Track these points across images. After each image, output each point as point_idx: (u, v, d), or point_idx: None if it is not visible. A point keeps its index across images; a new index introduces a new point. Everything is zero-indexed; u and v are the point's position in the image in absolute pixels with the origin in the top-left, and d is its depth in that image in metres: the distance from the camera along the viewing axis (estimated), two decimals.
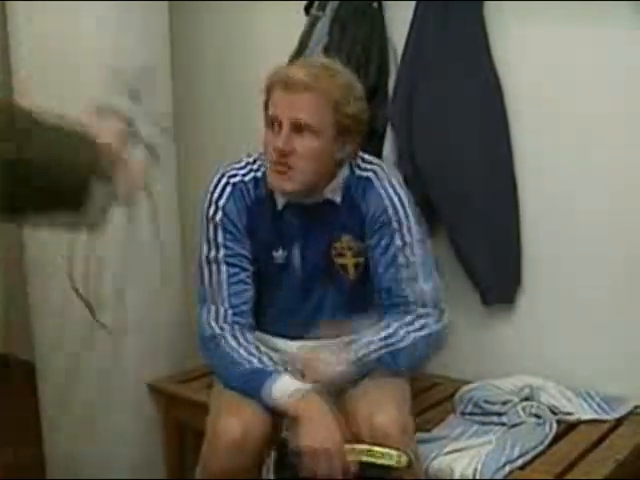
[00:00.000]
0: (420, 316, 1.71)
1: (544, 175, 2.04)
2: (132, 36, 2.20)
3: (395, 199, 1.75)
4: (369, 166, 1.79)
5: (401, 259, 1.72)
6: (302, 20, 2.22)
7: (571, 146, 2.00)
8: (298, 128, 1.65)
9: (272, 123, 1.68)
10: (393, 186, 1.76)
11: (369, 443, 1.55)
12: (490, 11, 2.02)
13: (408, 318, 1.70)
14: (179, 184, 2.41)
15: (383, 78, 2.11)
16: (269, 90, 1.71)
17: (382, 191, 1.75)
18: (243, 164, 1.79)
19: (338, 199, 1.77)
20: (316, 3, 2.17)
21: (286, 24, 2.34)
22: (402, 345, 1.68)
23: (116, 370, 2.24)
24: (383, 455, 1.51)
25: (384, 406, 1.60)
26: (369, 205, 1.75)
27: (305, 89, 1.64)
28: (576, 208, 2.01)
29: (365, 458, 1.52)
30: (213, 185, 1.78)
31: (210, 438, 1.64)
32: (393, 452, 1.51)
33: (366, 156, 1.82)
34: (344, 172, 1.77)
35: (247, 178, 1.78)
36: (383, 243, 1.73)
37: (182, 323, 2.37)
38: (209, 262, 1.76)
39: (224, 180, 1.77)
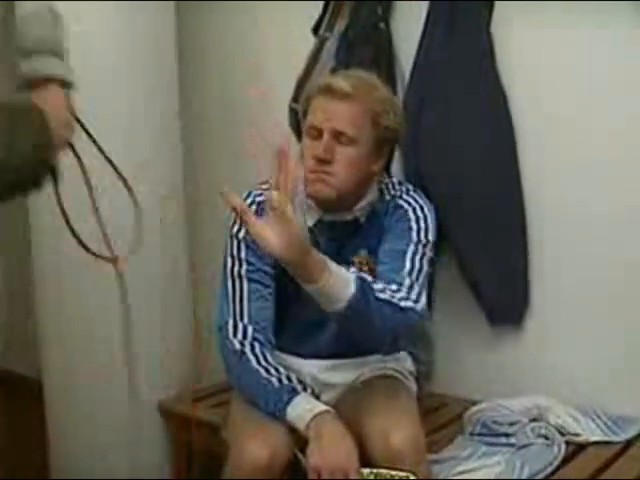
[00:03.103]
0: (396, 290, 1.62)
1: (546, 180, 2.03)
2: (138, 37, 2.20)
3: (421, 217, 1.75)
4: (405, 196, 1.78)
5: (407, 262, 1.68)
6: (307, 24, 2.24)
7: (573, 150, 1.98)
8: (337, 137, 1.68)
9: (310, 131, 1.70)
10: (422, 209, 1.76)
11: (377, 466, 1.53)
12: (497, 26, 2.02)
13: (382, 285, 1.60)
14: (185, 183, 2.41)
15: None
16: (309, 98, 1.73)
17: (410, 210, 1.75)
18: None
19: (363, 219, 1.78)
20: (324, 24, 2.20)
21: (290, 23, 2.37)
22: (373, 285, 1.55)
23: (124, 388, 2.23)
24: (391, 477, 1.49)
25: (399, 424, 1.59)
26: (392, 219, 1.75)
27: (345, 98, 1.67)
28: (580, 221, 1.99)
29: None
30: None
31: (235, 461, 1.62)
32: (401, 474, 1.49)
33: (396, 180, 1.83)
34: (373, 192, 1.78)
35: None
36: (396, 243, 1.71)
37: (189, 343, 2.37)
38: (233, 277, 1.77)
39: (250, 199, 1.78)
